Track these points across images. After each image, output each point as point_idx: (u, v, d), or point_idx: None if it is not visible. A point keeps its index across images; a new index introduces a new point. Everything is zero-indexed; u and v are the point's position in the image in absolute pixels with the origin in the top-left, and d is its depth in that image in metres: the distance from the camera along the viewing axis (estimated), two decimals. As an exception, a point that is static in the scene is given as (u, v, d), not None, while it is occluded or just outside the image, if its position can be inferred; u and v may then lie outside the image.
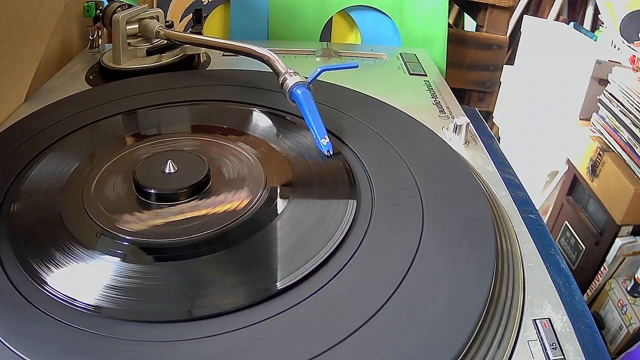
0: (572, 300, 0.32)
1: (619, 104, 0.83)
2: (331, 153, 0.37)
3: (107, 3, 0.57)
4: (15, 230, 0.31)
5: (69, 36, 0.58)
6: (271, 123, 0.42)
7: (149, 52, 0.54)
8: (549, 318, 0.27)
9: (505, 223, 0.34)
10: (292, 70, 0.42)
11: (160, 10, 0.56)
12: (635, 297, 0.80)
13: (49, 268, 0.28)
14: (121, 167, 0.36)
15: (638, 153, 0.78)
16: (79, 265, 0.28)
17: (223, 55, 0.59)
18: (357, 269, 0.28)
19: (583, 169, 0.90)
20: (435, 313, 0.26)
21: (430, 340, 0.24)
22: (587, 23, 1.38)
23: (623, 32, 0.96)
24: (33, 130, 0.40)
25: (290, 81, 0.41)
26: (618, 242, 0.83)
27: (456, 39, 0.73)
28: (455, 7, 1.01)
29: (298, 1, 0.66)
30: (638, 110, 0.79)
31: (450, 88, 0.53)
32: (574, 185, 0.97)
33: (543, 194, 1.08)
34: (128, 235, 0.30)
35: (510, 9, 0.75)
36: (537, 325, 0.27)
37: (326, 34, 0.69)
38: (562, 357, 0.25)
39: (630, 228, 0.82)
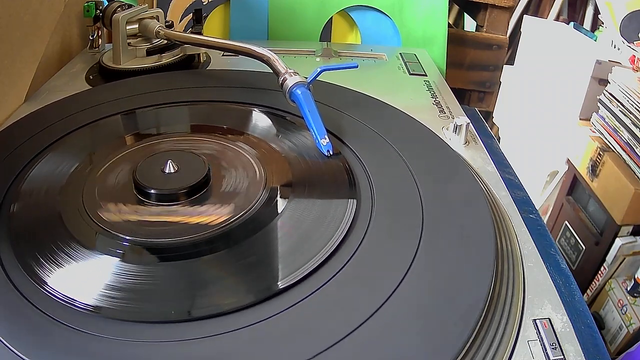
0: (572, 300, 0.32)
1: (619, 104, 0.83)
2: (331, 153, 0.37)
3: (107, 3, 0.57)
4: (15, 230, 0.31)
5: (69, 36, 0.58)
6: (271, 123, 0.42)
7: (149, 52, 0.54)
8: (549, 318, 0.27)
9: (505, 223, 0.34)
10: (292, 70, 0.42)
11: (160, 10, 0.56)
12: (635, 297, 0.80)
13: (49, 268, 0.28)
14: (121, 167, 0.36)
15: (638, 153, 0.78)
16: (79, 265, 0.28)
17: (223, 55, 0.59)
18: (357, 269, 0.28)
19: (583, 169, 0.90)
20: (435, 313, 0.26)
21: (430, 340, 0.24)
22: (587, 23, 1.38)
23: (623, 32, 0.96)
24: (33, 130, 0.40)
25: (290, 81, 0.41)
26: (618, 242, 0.83)
27: (456, 39, 0.73)
28: (455, 7, 1.01)
29: (298, 1, 0.66)
30: (638, 110, 0.79)
31: (450, 88, 0.53)
32: (574, 185, 0.97)
33: (543, 194, 1.08)
34: (128, 235, 0.30)
35: (510, 9, 0.75)
36: (537, 325, 0.27)
37: (326, 34, 0.69)
38: (562, 357, 0.25)
39: (630, 228, 0.82)
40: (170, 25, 0.56)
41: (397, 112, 0.44)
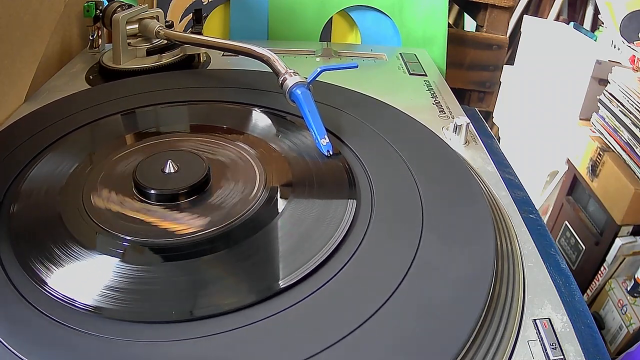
0: (572, 300, 0.32)
1: (619, 104, 0.83)
2: (331, 153, 0.37)
3: (107, 3, 0.57)
4: (15, 230, 0.31)
5: (69, 36, 0.58)
6: (271, 123, 0.42)
7: (149, 52, 0.54)
8: (549, 318, 0.27)
9: (505, 223, 0.34)
10: (292, 70, 0.42)
11: (160, 10, 0.56)
12: (635, 297, 0.80)
13: (49, 268, 0.28)
14: (121, 167, 0.36)
15: (638, 153, 0.78)
16: (79, 265, 0.28)
17: (223, 55, 0.59)
18: (357, 269, 0.28)
19: (583, 169, 0.90)
20: (435, 313, 0.26)
21: (430, 339, 0.24)
22: (587, 23, 1.38)
23: (623, 32, 0.96)
24: (33, 130, 0.40)
25: (290, 81, 0.41)
26: (618, 242, 0.83)
27: (456, 39, 0.73)
28: (455, 7, 1.01)
29: (298, 1, 0.66)
30: (638, 110, 0.79)
31: (450, 88, 0.53)
32: (574, 185, 0.97)
33: (543, 194, 1.08)
34: (128, 236, 0.30)
35: (510, 9, 0.75)
36: (537, 325, 0.27)
37: (326, 34, 0.69)
38: (562, 357, 0.25)
39: (630, 228, 0.82)
40: (170, 25, 0.56)
41: (397, 112, 0.44)
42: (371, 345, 0.24)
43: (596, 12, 1.33)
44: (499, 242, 0.31)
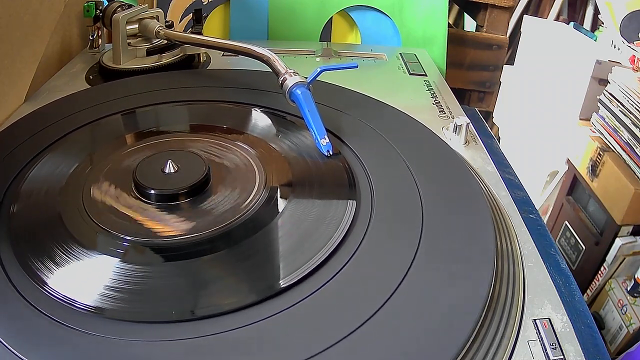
0: (572, 300, 0.32)
1: (619, 104, 0.83)
2: (331, 153, 0.37)
3: (107, 3, 0.57)
4: (15, 230, 0.31)
5: (69, 36, 0.58)
6: (271, 123, 0.42)
7: (149, 52, 0.54)
8: (549, 318, 0.27)
9: (505, 223, 0.34)
10: (292, 70, 0.42)
11: (160, 10, 0.56)
12: (635, 297, 0.80)
13: (49, 268, 0.28)
14: (121, 167, 0.36)
15: (638, 153, 0.78)
16: (79, 265, 0.28)
17: (223, 55, 0.59)
18: (357, 269, 0.28)
19: (583, 169, 0.90)
20: (435, 313, 0.26)
21: (430, 339, 0.24)
22: (587, 23, 1.38)
23: (623, 32, 0.96)
24: (33, 130, 0.40)
25: (290, 81, 0.41)
26: (618, 242, 0.83)
27: (456, 39, 0.73)
28: (455, 7, 1.01)
29: (298, 1, 0.66)
30: (638, 110, 0.79)
31: (450, 88, 0.53)
32: (574, 185, 0.97)
33: (543, 194, 1.08)
34: (128, 236, 0.30)
35: (510, 9, 0.75)
36: (537, 325, 0.27)
37: (326, 34, 0.69)
38: (562, 357, 0.25)
39: (630, 228, 0.82)
40: (170, 25, 0.56)
41: (397, 112, 0.44)
42: (371, 346, 0.24)
43: (596, 12, 1.33)
44: (499, 242, 0.31)
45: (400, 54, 0.62)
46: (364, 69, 0.57)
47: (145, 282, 0.27)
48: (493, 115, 1.09)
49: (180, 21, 0.67)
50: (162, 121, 0.44)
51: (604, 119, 0.88)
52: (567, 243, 0.96)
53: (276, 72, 0.43)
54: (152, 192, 0.33)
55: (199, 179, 0.33)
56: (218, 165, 0.36)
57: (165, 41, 0.54)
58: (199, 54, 0.57)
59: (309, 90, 0.40)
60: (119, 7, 0.55)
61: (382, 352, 0.24)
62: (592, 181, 0.88)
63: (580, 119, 0.97)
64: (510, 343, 0.26)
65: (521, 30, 1.25)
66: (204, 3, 0.66)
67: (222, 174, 0.35)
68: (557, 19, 1.42)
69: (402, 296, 0.26)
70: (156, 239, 0.30)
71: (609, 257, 0.84)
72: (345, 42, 0.70)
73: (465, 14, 0.94)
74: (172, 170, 0.34)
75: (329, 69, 0.41)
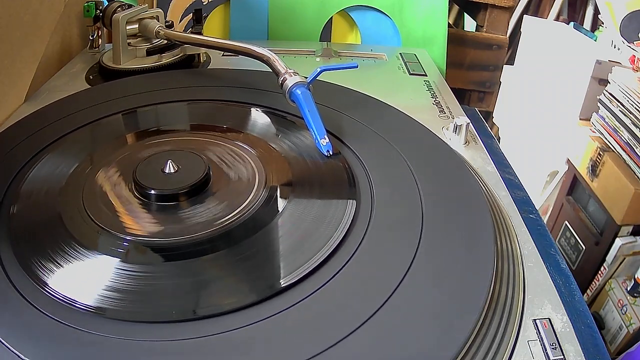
0: (572, 300, 0.32)
1: (619, 104, 0.83)
2: (331, 153, 0.37)
3: (107, 3, 0.57)
4: (15, 230, 0.31)
5: (69, 36, 0.58)
6: (271, 123, 0.42)
7: (149, 52, 0.54)
8: (549, 318, 0.27)
9: (505, 223, 0.34)
10: (292, 70, 0.42)
11: (160, 10, 0.56)
12: (635, 297, 0.80)
13: (49, 268, 0.28)
14: (121, 167, 0.36)
15: (638, 153, 0.78)
16: (79, 265, 0.28)
17: (223, 55, 0.59)
18: (356, 269, 0.28)
19: (583, 169, 0.90)
20: (435, 312, 0.26)
21: (430, 339, 0.24)
22: (587, 23, 1.38)
23: (623, 32, 0.96)
24: (33, 130, 0.40)
25: (290, 81, 0.41)
26: (618, 242, 0.83)
27: (456, 39, 0.73)
28: (455, 7, 1.01)
29: (298, 1, 0.66)
30: (638, 110, 0.79)
31: (450, 88, 0.53)
32: (574, 185, 0.97)
33: (543, 194, 1.08)
34: (128, 236, 0.30)
35: (510, 9, 0.75)
36: (537, 325, 0.27)
37: (326, 34, 0.69)
38: (562, 357, 0.25)
39: (630, 228, 0.82)
40: (170, 25, 0.56)
41: (397, 112, 0.44)
42: (371, 345, 0.24)
43: (596, 12, 1.33)
44: (499, 242, 0.31)
45: (400, 54, 0.62)
46: (364, 69, 0.57)
47: (146, 282, 0.27)
48: (493, 115, 1.09)
49: (180, 21, 0.67)
50: (162, 121, 0.44)
51: (604, 119, 0.88)
52: (567, 243, 0.96)
53: (276, 72, 0.43)
54: (152, 192, 0.33)
55: (199, 179, 0.33)
56: (218, 165, 0.36)
57: (165, 41, 0.54)
58: (199, 54, 0.57)
59: (309, 90, 0.40)
60: (119, 7, 0.55)
61: (382, 352, 0.24)
62: (592, 181, 0.88)
63: (580, 119, 0.97)
64: (510, 343, 0.26)
65: (521, 30, 1.25)
66: (204, 3, 0.66)
67: (222, 174, 0.35)
68: (557, 19, 1.42)
69: (402, 296, 0.26)
70: (156, 239, 0.30)
71: (609, 257, 0.84)
72: (345, 42, 0.70)
73: (465, 14, 0.94)
74: (172, 170, 0.34)
75: (329, 69, 0.41)
